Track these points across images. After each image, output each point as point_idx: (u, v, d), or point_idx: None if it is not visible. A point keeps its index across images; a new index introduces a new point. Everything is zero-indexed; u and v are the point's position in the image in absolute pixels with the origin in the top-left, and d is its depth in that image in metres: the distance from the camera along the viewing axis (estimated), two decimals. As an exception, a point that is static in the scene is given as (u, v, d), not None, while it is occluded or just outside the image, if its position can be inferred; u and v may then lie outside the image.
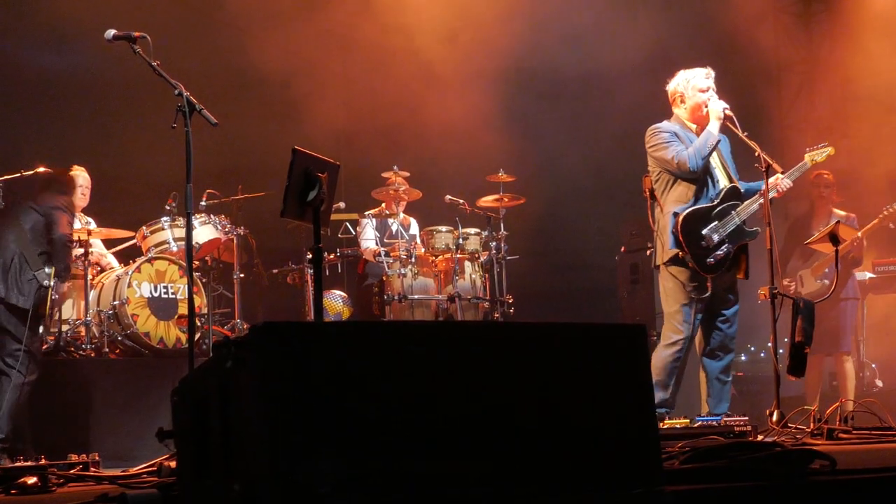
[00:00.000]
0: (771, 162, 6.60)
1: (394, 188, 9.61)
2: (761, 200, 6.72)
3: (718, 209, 6.70)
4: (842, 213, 9.07)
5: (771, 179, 6.71)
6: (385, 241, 9.66)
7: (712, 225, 6.65)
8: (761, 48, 12.79)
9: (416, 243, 9.57)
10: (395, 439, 2.49)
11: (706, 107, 6.85)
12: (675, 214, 6.67)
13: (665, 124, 6.89)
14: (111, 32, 5.74)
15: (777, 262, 6.45)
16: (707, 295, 6.68)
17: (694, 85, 6.91)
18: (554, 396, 2.75)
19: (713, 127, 6.73)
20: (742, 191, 6.86)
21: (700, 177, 6.74)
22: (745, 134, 6.70)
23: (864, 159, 10.41)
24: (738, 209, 6.73)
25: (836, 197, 9.29)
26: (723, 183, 6.82)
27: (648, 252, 8.18)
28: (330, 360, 2.48)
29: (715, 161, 6.87)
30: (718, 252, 6.65)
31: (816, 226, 8.83)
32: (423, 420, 2.55)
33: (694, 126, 6.89)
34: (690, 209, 6.67)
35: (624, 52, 11.37)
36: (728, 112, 6.77)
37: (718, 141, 6.74)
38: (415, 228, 10.07)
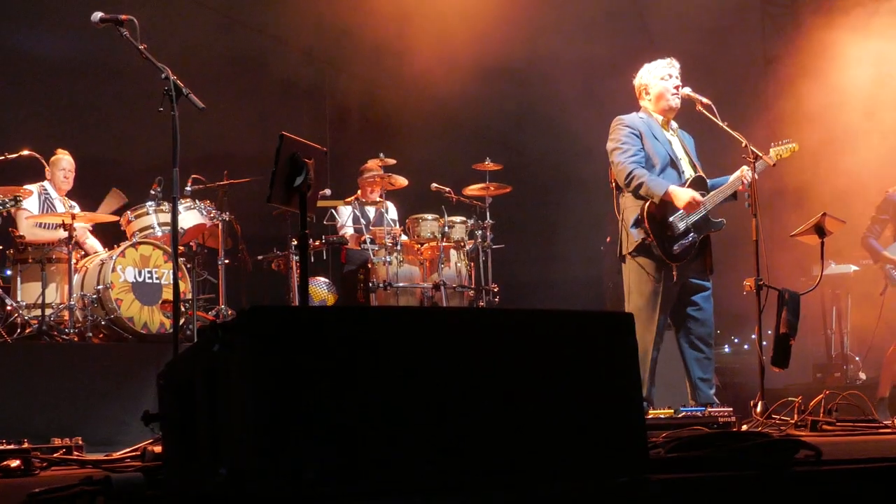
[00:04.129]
0: (760, 154, 6.62)
1: (373, 174, 9.61)
2: (728, 192, 6.79)
3: None
4: None
5: (736, 173, 6.77)
6: (369, 228, 9.66)
7: (678, 213, 6.65)
8: (749, 39, 12.82)
9: (398, 229, 9.56)
10: (382, 425, 2.48)
11: (670, 94, 6.87)
12: (642, 202, 6.67)
13: (632, 117, 6.89)
14: (98, 15, 5.71)
15: (763, 254, 6.46)
16: (673, 283, 6.68)
17: (656, 74, 6.94)
18: (540, 384, 2.74)
19: (678, 201, 6.64)
20: (708, 182, 6.88)
21: (665, 168, 6.76)
22: (726, 124, 6.71)
23: (849, 152, 10.43)
24: (703, 199, 6.73)
25: None
26: (688, 173, 6.84)
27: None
28: (318, 344, 2.46)
29: (681, 153, 6.90)
30: (684, 241, 6.65)
31: None
32: (410, 406, 2.54)
33: (660, 118, 6.90)
34: None
35: (611, 40, 11.37)
36: (706, 101, 6.79)
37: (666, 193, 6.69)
38: (393, 212, 10.06)
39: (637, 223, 6.66)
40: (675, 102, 6.89)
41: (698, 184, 6.79)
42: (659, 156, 6.77)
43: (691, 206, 6.61)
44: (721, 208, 6.89)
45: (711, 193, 6.77)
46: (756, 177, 6.68)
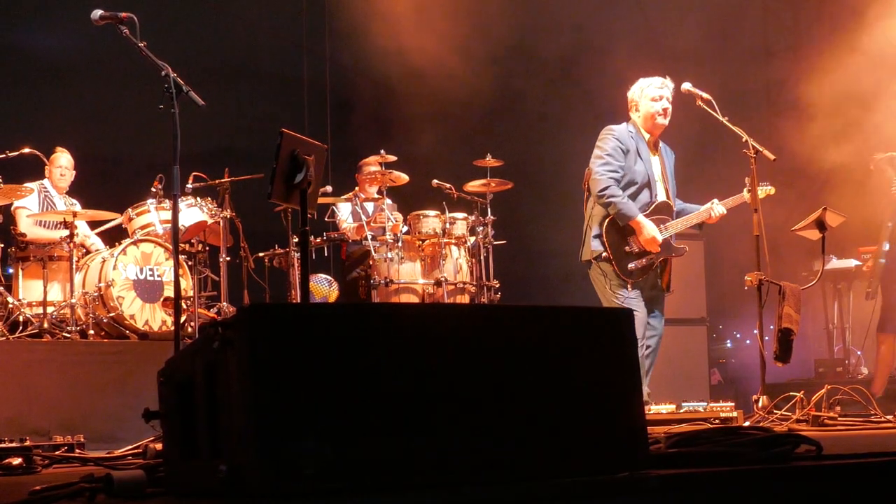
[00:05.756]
0: (760, 149, 6.63)
1: (371, 170, 9.62)
2: (693, 222, 6.95)
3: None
4: None
5: (707, 205, 6.84)
6: (370, 225, 9.65)
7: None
8: (749, 34, 12.80)
9: (398, 215, 9.56)
10: (381, 421, 2.49)
11: (657, 115, 6.88)
12: (605, 217, 6.72)
13: (623, 131, 6.88)
14: (98, 13, 5.70)
15: (765, 250, 6.47)
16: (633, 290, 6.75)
17: (647, 94, 6.95)
18: (540, 379, 2.75)
19: (641, 235, 6.69)
20: (675, 209, 6.92)
21: (642, 189, 6.80)
22: (727, 118, 6.72)
23: (852, 150, 10.42)
24: (668, 224, 6.78)
25: None
26: (661, 197, 6.87)
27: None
28: (317, 341, 2.47)
29: (659, 175, 6.92)
30: (641, 260, 6.69)
31: None
32: (410, 402, 2.55)
33: (647, 136, 6.91)
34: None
35: (612, 34, 11.36)
36: (707, 97, 6.81)
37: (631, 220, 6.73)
38: (393, 207, 10.05)
39: (598, 235, 6.72)
40: (662, 122, 6.92)
41: (663, 210, 6.84)
42: (638, 175, 6.82)
43: (650, 244, 6.66)
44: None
45: (676, 220, 6.88)
46: (725, 213, 6.87)
